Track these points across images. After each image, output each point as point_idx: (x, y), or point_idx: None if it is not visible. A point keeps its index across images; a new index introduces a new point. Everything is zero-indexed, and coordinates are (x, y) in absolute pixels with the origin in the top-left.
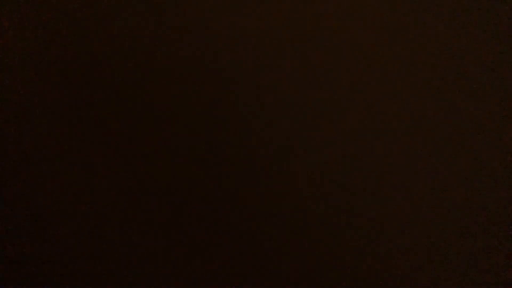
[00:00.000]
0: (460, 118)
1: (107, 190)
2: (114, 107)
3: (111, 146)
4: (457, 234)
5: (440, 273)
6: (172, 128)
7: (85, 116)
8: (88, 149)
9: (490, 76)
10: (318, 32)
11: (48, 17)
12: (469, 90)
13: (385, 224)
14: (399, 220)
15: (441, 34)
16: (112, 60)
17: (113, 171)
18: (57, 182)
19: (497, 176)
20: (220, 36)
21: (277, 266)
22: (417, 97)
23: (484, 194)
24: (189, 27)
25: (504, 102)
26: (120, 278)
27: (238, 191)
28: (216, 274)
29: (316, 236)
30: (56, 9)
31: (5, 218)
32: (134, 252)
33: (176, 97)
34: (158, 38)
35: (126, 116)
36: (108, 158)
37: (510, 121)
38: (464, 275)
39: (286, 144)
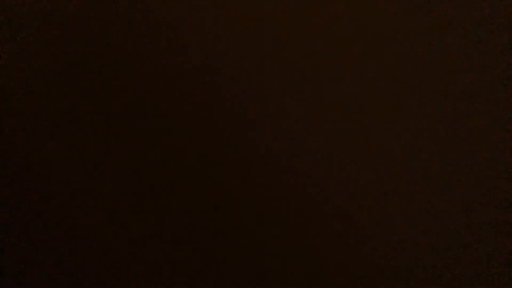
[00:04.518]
0: (460, 118)
1: (107, 190)
2: (113, 107)
3: (108, 146)
4: (457, 234)
5: (440, 274)
6: (173, 127)
7: (85, 116)
8: (87, 149)
9: (490, 76)
10: (318, 31)
11: (48, 16)
12: (469, 90)
13: (385, 225)
14: (399, 221)
15: (441, 34)
16: (110, 60)
17: (110, 171)
18: (57, 182)
19: (497, 176)
20: (219, 36)
21: (277, 267)
22: (417, 97)
23: (483, 194)
24: (188, 27)
25: (505, 102)
26: (120, 278)
27: (237, 192)
28: (216, 275)
29: (316, 236)
30: (56, 8)
31: (6, 218)
32: (134, 253)
33: (176, 97)
34: (157, 38)
35: (125, 116)
36: (105, 158)
37: (510, 121)
38: (464, 276)
39: (286, 144)
